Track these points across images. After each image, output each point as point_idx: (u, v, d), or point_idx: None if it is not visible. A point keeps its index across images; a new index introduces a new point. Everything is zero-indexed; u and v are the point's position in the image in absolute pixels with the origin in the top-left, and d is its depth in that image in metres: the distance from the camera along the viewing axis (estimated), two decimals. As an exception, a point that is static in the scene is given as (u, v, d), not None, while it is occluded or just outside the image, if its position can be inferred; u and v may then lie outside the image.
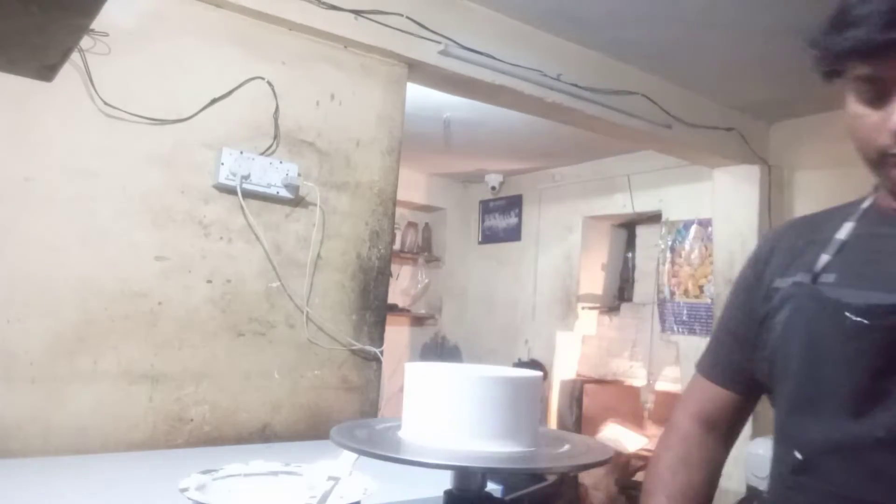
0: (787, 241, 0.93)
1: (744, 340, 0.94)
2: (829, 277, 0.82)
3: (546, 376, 4.46)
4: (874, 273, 0.79)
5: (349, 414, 2.05)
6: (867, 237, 0.83)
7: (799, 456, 0.81)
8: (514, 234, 5.12)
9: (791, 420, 0.85)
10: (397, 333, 5.08)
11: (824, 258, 0.84)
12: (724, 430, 1.00)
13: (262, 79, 1.96)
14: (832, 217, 0.89)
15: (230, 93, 1.90)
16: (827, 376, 0.79)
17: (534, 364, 4.48)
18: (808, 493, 0.80)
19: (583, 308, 4.63)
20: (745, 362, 0.94)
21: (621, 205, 4.34)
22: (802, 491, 0.80)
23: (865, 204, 0.87)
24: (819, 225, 0.90)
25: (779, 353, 0.87)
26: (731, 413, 0.99)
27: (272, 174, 1.94)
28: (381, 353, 2.15)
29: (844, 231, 0.85)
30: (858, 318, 0.76)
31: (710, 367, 1.01)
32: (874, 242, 0.82)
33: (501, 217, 5.25)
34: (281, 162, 1.96)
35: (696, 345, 3.71)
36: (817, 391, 0.80)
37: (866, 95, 0.76)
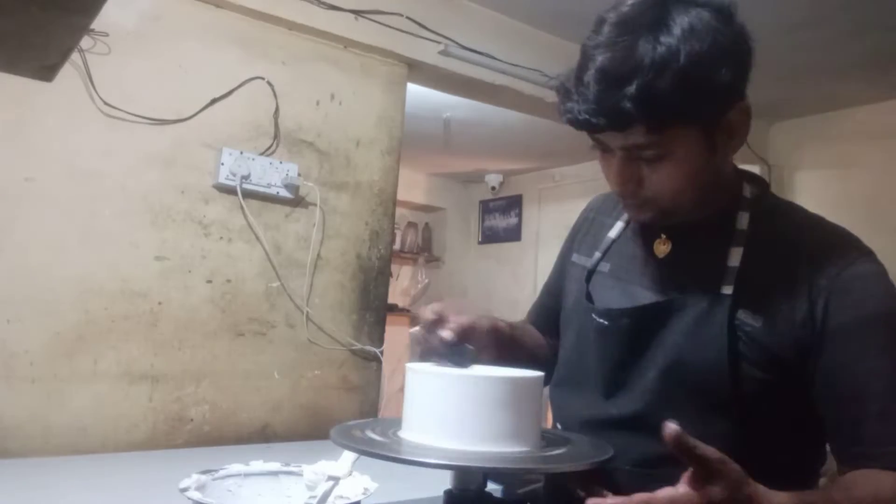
0: (593, 215, 1.08)
1: (549, 301, 1.12)
2: (605, 267, 0.98)
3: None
4: (622, 271, 0.95)
5: (349, 414, 2.05)
6: (626, 242, 0.98)
7: (559, 426, 0.98)
8: (514, 234, 5.11)
9: (557, 392, 1.01)
10: (397, 333, 5.07)
11: (597, 254, 1.00)
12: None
13: (262, 79, 1.96)
14: (615, 212, 1.03)
15: (230, 93, 1.90)
16: (587, 363, 0.94)
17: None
18: None
19: (583, 308, 4.62)
20: (552, 318, 1.08)
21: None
22: None
23: None
24: (608, 214, 1.04)
25: (562, 330, 1.04)
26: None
27: (272, 174, 1.94)
28: (381, 353, 2.15)
29: (615, 230, 1.00)
30: (600, 320, 0.91)
31: (533, 314, 1.17)
32: (629, 247, 0.97)
33: (501, 217, 5.25)
34: (281, 162, 1.96)
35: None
36: (580, 374, 0.95)
37: (598, 148, 0.86)
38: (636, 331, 0.87)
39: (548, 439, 0.80)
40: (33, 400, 1.59)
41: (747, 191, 0.91)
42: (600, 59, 0.76)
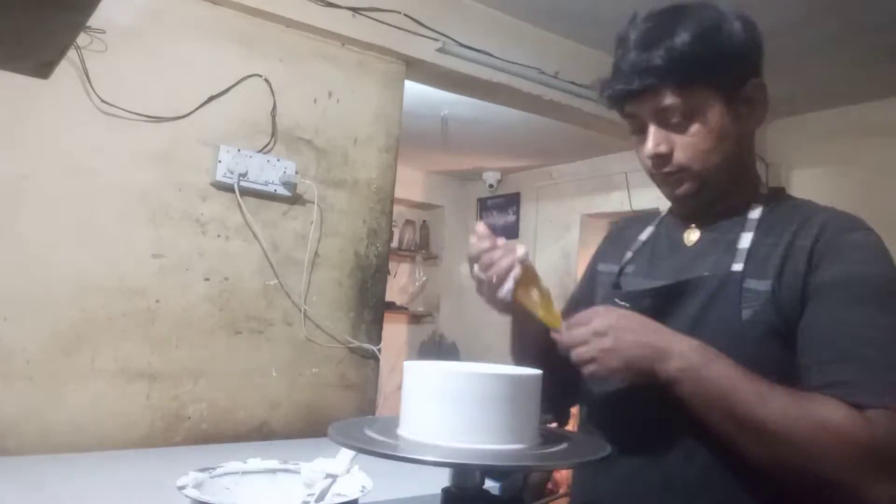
0: (616, 234, 1.17)
1: (576, 309, 1.11)
2: (631, 269, 1.05)
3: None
4: (650, 266, 1.02)
5: (347, 412, 2.05)
6: (658, 238, 1.06)
7: (585, 409, 1.05)
8: (511, 231, 5.11)
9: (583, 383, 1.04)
10: (395, 331, 5.08)
11: (629, 254, 1.07)
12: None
13: (260, 76, 1.96)
14: (645, 220, 1.12)
15: (228, 90, 1.90)
16: None
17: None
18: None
19: (581, 306, 4.62)
20: None
21: (619, 202, 4.34)
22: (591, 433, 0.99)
23: (664, 212, 1.09)
24: (637, 224, 1.12)
25: None
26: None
27: (270, 172, 1.94)
28: (379, 350, 2.15)
29: (646, 233, 1.08)
30: (623, 303, 0.95)
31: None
32: (660, 242, 1.05)
33: (499, 215, 5.24)
34: (279, 159, 1.96)
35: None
36: None
37: (633, 128, 0.96)
38: (656, 310, 0.89)
39: (545, 436, 0.80)
40: (31, 398, 1.59)
41: (764, 188, 0.99)
42: (633, 38, 0.90)
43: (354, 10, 2.08)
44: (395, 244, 4.94)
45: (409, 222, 5.37)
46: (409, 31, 2.20)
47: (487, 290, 0.91)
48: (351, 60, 2.14)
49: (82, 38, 1.66)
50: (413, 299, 5.38)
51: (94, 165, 1.70)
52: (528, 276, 0.90)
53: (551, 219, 4.84)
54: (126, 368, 1.72)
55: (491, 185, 5.15)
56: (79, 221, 1.68)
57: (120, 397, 1.71)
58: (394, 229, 4.51)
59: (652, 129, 0.92)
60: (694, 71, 0.87)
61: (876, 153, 3.13)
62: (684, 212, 1.01)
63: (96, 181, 1.71)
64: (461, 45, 2.31)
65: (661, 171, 0.94)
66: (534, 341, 0.99)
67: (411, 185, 5.11)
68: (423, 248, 5.40)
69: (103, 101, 1.71)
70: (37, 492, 1.28)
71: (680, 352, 0.81)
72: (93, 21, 1.43)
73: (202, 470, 0.93)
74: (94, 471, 1.45)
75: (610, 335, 0.82)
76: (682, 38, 0.86)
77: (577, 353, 0.84)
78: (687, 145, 0.91)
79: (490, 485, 1.33)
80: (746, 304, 0.86)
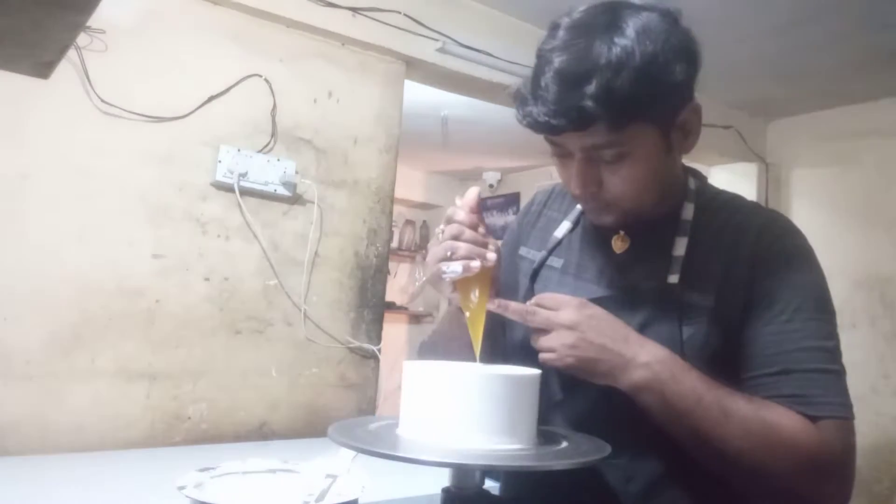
0: (539, 209, 1.07)
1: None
2: (557, 262, 0.98)
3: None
4: (579, 267, 0.96)
5: (347, 412, 2.05)
6: (585, 235, 0.98)
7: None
8: (511, 231, 5.11)
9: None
10: (395, 331, 5.08)
11: (553, 241, 1.00)
12: None
13: (260, 76, 1.96)
14: (565, 207, 1.04)
15: (228, 90, 1.90)
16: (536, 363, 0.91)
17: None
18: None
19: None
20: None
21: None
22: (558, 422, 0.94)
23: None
24: (558, 205, 1.05)
25: (507, 326, 0.98)
26: None
27: (270, 172, 1.94)
28: (379, 350, 2.15)
29: (563, 228, 1.00)
30: None
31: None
32: (587, 240, 0.97)
33: (499, 215, 5.24)
34: (279, 159, 1.96)
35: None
36: None
37: (555, 152, 0.87)
38: None
39: (544, 436, 0.80)
40: (30, 398, 1.59)
41: (692, 183, 0.94)
42: (557, 61, 0.78)
43: (354, 10, 2.08)
44: (395, 244, 4.94)
45: (409, 222, 5.38)
46: (409, 31, 2.20)
47: (438, 256, 0.84)
48: (351, 60, 2.14)
49: (82, 38, 1.66)
50: (413, 299, 5.38)
51: (94, 165, 1.70)
52: (482, 277, 0.84)
53: (551, 219, 4.83)
54: (126, 368, 1.72)
55: (491, 185, 5.15)
56: (79, 221, 1.68)
57: (120, 397, 1.71)
58: (394, 229, 4.50)
59: (578, 165, 0.83)
60: (630, 110, 0.77)
61: (876, 153, 3.13)
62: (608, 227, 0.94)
63: (96, 181, 1.71)
64: (461, 45, 2.31)
65: (588, 203, 0.89)
66: (460, 329, 0.91)
67: (411, 185, 5.11)
68: (423, 248, 5.40)
69: (103, 101, 1.71)
70: (37, 492, 1.28)
71: (645, 362, 0.78)
72: (93, 21, 1.43)
73: (202, 470, 0.93)
74: (93, 471, 1.45)
75: (576, 331, 0.78)
76: (619, 76, 0.74)
77: (537, 340, 0.81)
78: (618, 182, 0.83)
79: (490, 485, 1.33)
80: (687, 321, 0.83)
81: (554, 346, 0.80)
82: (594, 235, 0.97)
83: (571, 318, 0.79)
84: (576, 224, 1.01)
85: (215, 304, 1.86)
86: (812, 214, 3.23)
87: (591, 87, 0.75)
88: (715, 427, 0.76)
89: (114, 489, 1.33)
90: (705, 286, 0.84)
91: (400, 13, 2.17)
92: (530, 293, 0.96)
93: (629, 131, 0.79)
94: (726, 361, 0.83)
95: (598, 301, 0.86)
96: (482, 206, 0.92)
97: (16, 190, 1.61)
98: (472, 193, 0.88)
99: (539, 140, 0.88)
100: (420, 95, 2.90)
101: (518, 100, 0.85)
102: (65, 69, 1.65)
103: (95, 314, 1.68)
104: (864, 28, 2.44)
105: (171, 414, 1.77)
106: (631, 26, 0.77)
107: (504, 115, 3.23)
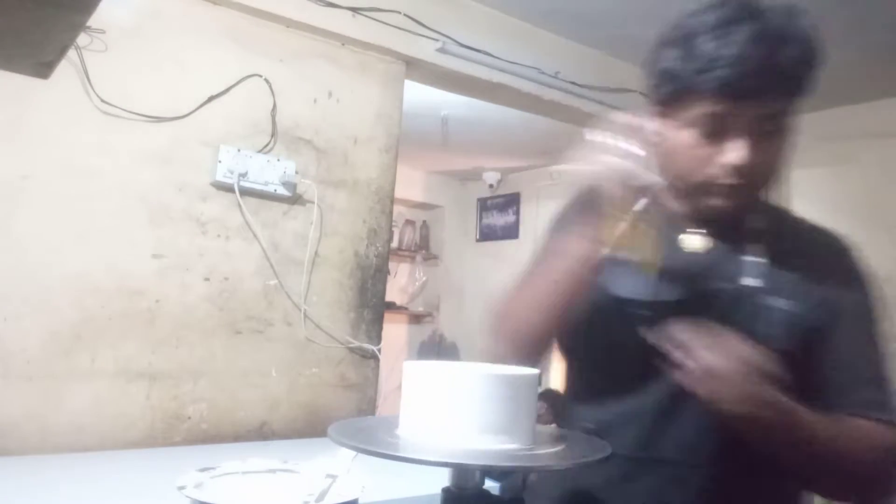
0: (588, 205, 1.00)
1: None
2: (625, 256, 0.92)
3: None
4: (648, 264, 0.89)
5: (347, 411, 2.05)
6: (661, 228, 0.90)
7: (591, 426, 0.91)
8: (511, 231, 5.11)
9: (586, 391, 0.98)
10: (395, 331, 5.08)
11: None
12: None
13: (260, 76, 1.96)
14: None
15: (228, 90, 1.90)
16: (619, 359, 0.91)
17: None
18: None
19: (581, 305, 4.61)
20: None
21: (619, 202, 4.34)
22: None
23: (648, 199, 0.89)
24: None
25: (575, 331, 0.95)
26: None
27: (270, 172, 1.94)
28: (379, 350, 2.15)
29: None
30: (644, 312, 0.87)
31: None
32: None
33: (499, 215, 5.24)
34: (279, 159, 1.96)
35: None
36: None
37: (705, 129, 0.82)
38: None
39: (545, 436, 0.80)
40: (31, 398, 1.59)
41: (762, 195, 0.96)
42: (748, 28, 0.77)
43: (354, 10, 2.08)
44: (395, 244, 4.93)
45: (409, 222, 5.37)
46: (409, 31, 2.20)
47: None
48: (351, 60, 2.14)
49: (82, 38, 1.66)
50: (413, 299, 5.38)
51: (94, 165, 1.70)
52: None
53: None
54: (126, 368, 1.72)
55: (491, 185, 5.15)
56: (79, 221, 1.68)
57: (120, 397, 1.71)
58: (394, 229, 4.50)
59: (747, 137, 0.80)
60: (805, 83, 0.81)
61: (876, 153, 3.13)
62: (704, 222, 0.91)
63: (96, 181, 1.71)
64: (461, 45, 2.31)
65: (729, 182, 0.83)
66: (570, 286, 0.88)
67: (411, 185, 5.11)
68: (423, 248, 5.40)
69: (103, 100, 1.71)
70: (37, 492, 1.27)
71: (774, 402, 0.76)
72: (93, 21, 1.43)
73: (202, 470, 0.93)
74: (94, 471, 1.45)
75: (721, 369, 0.74)
76: (808, 49, 0.80)
77: (677, 355, 0.76)
78: (765, 160, 0.82)
79: (490, 485, 1.33)
80: (767, 324, 0.84)
81: (692, 367, 0.75)
82: (668, 230, 0.91)
83: (714, 359, 0.75)
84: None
85: (215, 304, 1.86)
86: (812, 214, 3.21)
87: (790, 52, 0.78)
88: (827, 445, 0.80)
89: (114, 489, 1.33)
90: (786, 291, 0.86)
91: (400, 13, 2.17)
92: (594, 287, 0.90)
93: (794, 104, 0.82)
94: (797, 366, 0.81)
95: (677, 304, 0.87)
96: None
97: (16, 190, 1.61)
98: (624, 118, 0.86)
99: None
100: (420, 95, 2.90)
101: (681, 63, 0.81)
102: (65, 69, 1.65)
103: (95, 314, 1.68)
104: (865, 28, 2.43)
105: (171, 414, 1.77)
106: (796, 11, 0.82)
107: (504, 114, 3.23)
